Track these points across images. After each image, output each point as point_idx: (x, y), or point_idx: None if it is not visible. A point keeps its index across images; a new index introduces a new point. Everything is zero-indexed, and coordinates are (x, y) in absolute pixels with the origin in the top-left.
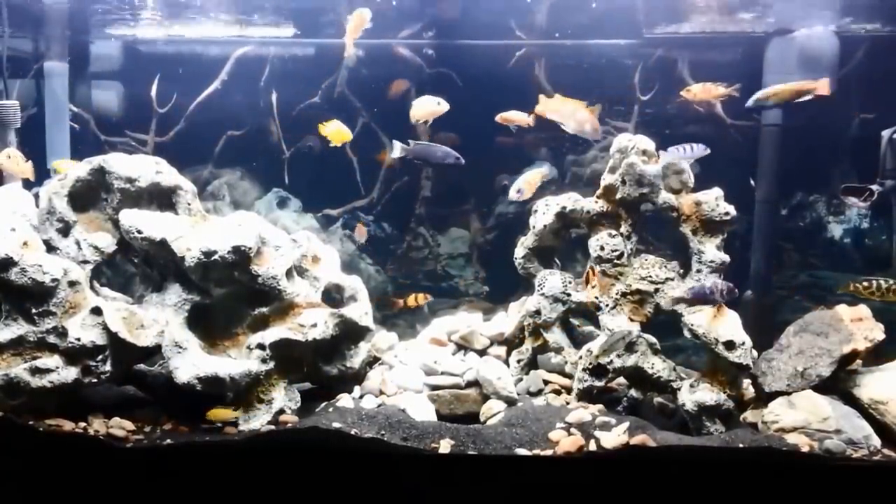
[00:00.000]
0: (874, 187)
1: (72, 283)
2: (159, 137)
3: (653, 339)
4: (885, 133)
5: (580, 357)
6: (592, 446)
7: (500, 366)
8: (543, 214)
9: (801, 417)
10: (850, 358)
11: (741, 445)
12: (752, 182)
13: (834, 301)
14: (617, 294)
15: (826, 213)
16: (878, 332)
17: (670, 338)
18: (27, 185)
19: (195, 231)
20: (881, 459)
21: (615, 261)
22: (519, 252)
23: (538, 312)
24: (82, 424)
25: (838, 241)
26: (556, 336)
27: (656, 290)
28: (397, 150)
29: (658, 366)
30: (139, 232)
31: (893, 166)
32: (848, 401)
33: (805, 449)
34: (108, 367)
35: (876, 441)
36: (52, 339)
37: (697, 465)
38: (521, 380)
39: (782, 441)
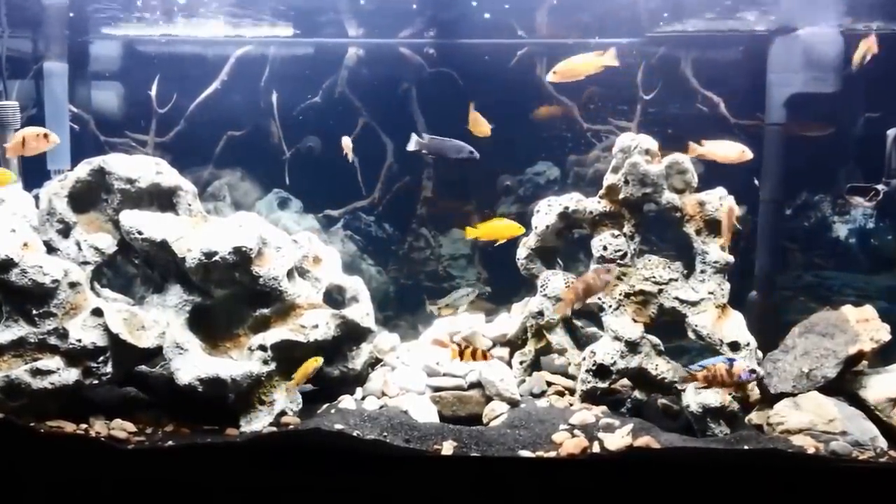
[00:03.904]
0: (880, 187)
1: (72, 285)
2: (159, 138)
3: (657, 341)
4: (891, 132)
5: (583, 358)
6: (596, 448)
7: (502, 367)
8: (546, 215)
9: (806, 419)
10: (856, 359)
11: (746, 447)
12: (755, 182)
13: (839, 301)
14: (620, 295)
15: (831, 213)
16: (883, 333)
17: (675, 339)
18: (27, 186)
19: (196, 232)
20: (888, 461)
21: (618, 261)
22: (521, 252)
23: (541, 313)
24: (83, 426)
25: (843, 241)
26: (559, 337)
27: (660, 291)
28: (412, 143)
29: (662, 367)
30: (140, 233)
31: None
32: (854, 402)
33: (811, 451)
34: (109, 369)
35: (882, 443)
36: (52, 340)
37: (702, 468)
38: (523, 381)
39: (788, 443)
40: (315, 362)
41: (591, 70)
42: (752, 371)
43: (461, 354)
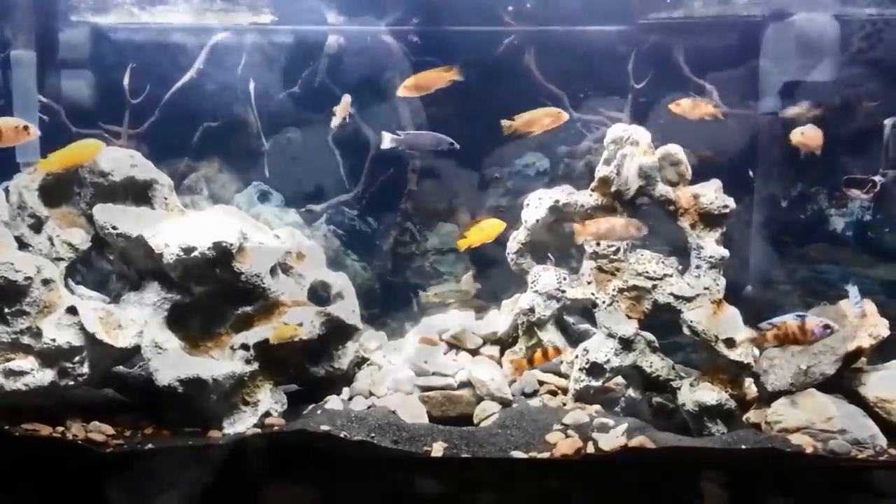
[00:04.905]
0: (877, 178)
1: (46, 282)
2: (133, 129)
3: (651, 337)
4: (888, 122)
5: (576, 356)
6: (590, 448)
7: (493, 366)
8: (536, 208)
9: (804, 417)
10: (855, 355)
11: (743, 447)
12: (751, 174)
13: (836, 297)
14: (613, 290)
15: (828, 206)
16: (882, 329)
17: (669, 335)
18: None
19: (173, 227)
20: (888, 459)
21: (611, 256)
22: (511, 247)
23: (532, 310)
24: (60, 429)
25: (841, 234)
26: (550, 335)
27: (654, 287)
28: (387, 141)
29: (656, 364)
30: (114, 228)
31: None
32: (853, 399)
33: (809, 450)
34: (85, 369)
35: (882, 441)
36: (26, 339)
37: (699, 468)
38: (514, 380)
39: (786, 442)
40: (294, 329)
41: (439, 84)
42: (827, 326)
43: (531, 362)
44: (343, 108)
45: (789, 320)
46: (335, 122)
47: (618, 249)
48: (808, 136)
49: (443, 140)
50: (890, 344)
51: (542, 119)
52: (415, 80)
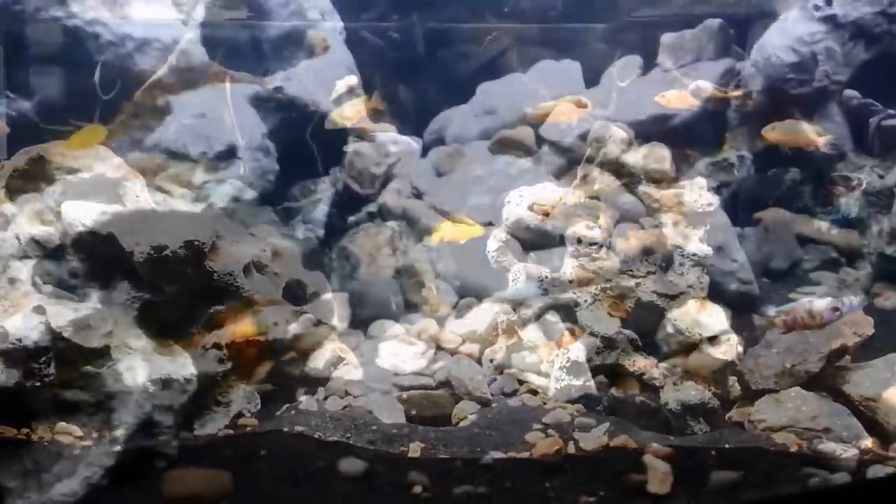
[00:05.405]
0: (862, 176)
1: (12, 280)
2: (104, 125)
3: (634, 335)
4: (873, 120)
5: (557, 355)
6: (571, 448)
7: (472, 365)
8: (517, 206)
9: (789, 416)
10: (839, 353)
11: (727, 446)
12: (735, 171)
13: (821, 294)
14: (596, 288)
15: (812, 202)
16: (867, 327)
17: (652, 333)
18: None
19: (144, 225)
20: (872, 458)
21: (593, 255)
22: (492, 245)
23: (512, 308)
24: (25, 430)
25: (826, 231)
26: (531, 333)
27: (637, 285)
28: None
29: (640, 363)
30: (84, 225)
31: (881, 154)
32: (838, 398)
33: (793, 448)
34: (52, 370)
35: (867, 439)
36: None
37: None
38: (494, 380)
39: (770, 441)
40: (254, 328)
41: (368, 111)
42: (836, 309)
43: (559, 345)
44: (344, 87)
45: (798, 307)
46: (335, 96)
47: (600, 247)
48: (780, 132)
49: (401, 140)
50: (874, 342)
51: (563, 109)
52: (349, 107)
